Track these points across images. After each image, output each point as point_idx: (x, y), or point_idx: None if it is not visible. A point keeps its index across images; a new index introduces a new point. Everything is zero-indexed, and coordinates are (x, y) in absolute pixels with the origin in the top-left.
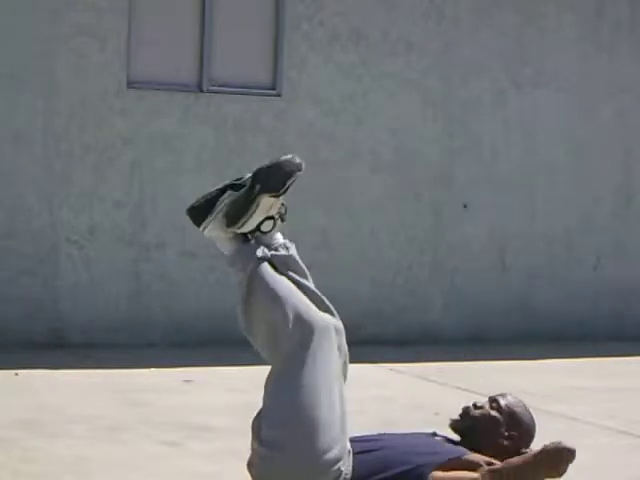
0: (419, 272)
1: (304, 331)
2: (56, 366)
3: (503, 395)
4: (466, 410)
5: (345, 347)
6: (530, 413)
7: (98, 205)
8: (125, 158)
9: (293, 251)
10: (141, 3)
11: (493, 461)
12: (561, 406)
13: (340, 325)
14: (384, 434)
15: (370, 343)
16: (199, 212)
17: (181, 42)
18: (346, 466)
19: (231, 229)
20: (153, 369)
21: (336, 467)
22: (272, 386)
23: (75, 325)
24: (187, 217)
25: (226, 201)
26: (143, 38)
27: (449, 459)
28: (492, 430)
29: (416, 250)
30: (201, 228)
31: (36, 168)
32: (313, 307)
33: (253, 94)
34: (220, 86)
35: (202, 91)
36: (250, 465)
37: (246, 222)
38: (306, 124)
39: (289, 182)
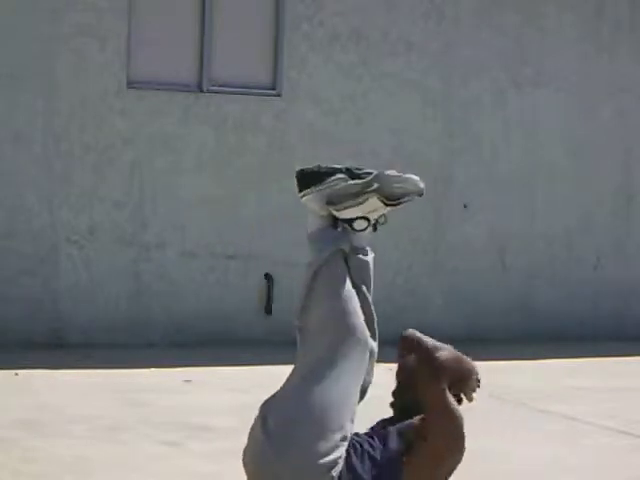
0: (419, 272)
1: (347, 340)
2: (56, 366)
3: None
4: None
5: (373, 372)
6: (429, 340)
7: (98, 205)
8: (125, 158)
9: (370, 259)
10: (141, 3)
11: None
12: (561, 406)
13: (375, 349)
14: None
15: None
16: (307, 179)
17: (181, 42)
18: (337, 472)
19: (329, 207)
20: (153, 369)
21: (330, 473)
22: (297, 380)
23: (75, 325)
24: (295, 178)
25: (340, 180)
26: (143, 38)
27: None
28: (409, 382)
29: (416, 250)
30: (301, 194)
31: (36, 168)
32: (362, 320)
33: (253, 94)
34: (220, 86)
35: (202, 91)
36: (247, 452)
37: (346, 209)
38: (306, 124)
39: (405, 199)
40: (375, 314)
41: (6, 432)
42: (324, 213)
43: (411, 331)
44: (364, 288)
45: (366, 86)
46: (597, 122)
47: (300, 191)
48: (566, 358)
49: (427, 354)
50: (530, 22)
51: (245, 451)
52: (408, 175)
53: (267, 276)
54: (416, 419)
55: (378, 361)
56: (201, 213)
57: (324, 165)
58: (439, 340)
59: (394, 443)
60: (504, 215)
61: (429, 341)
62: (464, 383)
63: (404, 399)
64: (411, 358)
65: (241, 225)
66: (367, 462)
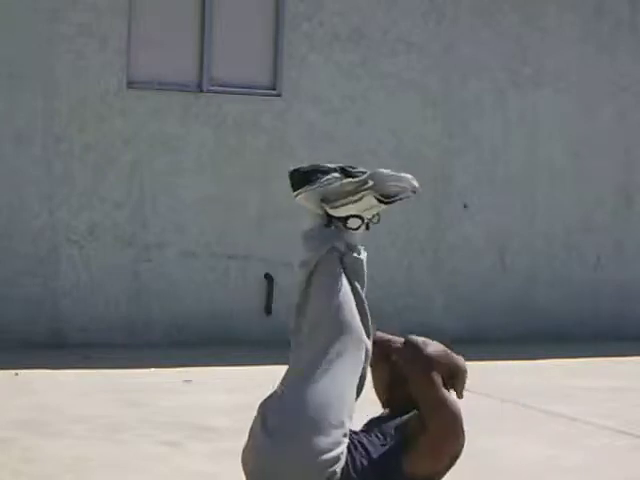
0: (419, 272)
1: (343, 338)
2: (56, 366)
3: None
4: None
5: (368, 370)
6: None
7: (98, 205)
8: (125, 158)
9: (364, 257)
10: (141, 3)
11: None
12: (561, 406)
13: (370, 348)
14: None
15: None
16: (301, 178)
17: (181, 42)
18: (339, 468)
19: (324, 205)
20: (153, 369)
21: (332, 469)
22: (295, 378)
23: (75, 325)
24: (289, 179)
25: (334, 179)
26: (143, 38)
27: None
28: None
29: (416, 250)
30: (295, 193)
31: (36, 168)
32: (357, 319)
33: (253, 94)
34: (220, 86)
35: (202, 91)
36: (246, 450)
37: (341, 207)
38: (306, 124)
39: (399, 197)
40: (369, 313)
41: (6, 432)
42: (319, 211)
43: (380, 334)
44: (358, 287)
45: (366, 86)
46: (597, 122)
47: (294, 190)
48: (566, 358)
49: (417, 349)
50: (530, 22)
51: (245, 450)
52: (402, 174)
53: (267, 276)
54: (412, 414)
55: None
56: (201, 213)
57: (317, 164)
58: (439, 340)
59: (392, 439)
60: (504, 215)
61: (414, 338)
62: (455, 378)
63: (394, 397)
64: (395, 356)
65: (241, 225)
66: (368, 458)
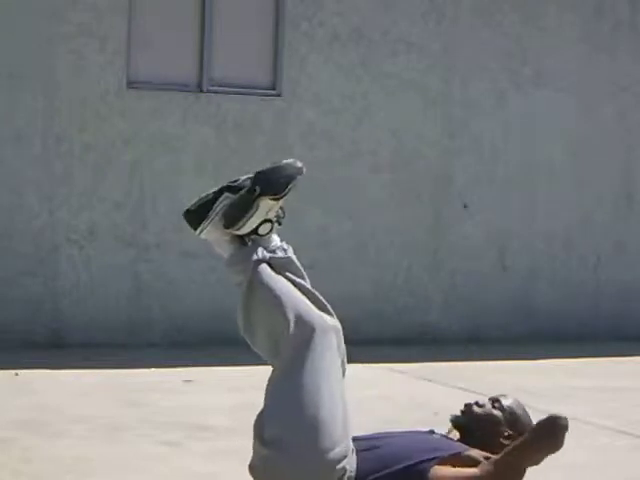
0: (419, 272)
1: (305, 332)
2: (56, 366)
3: (504, 396)
4: (468, 406)
5: (343, 347)
6: (529, 415)
7: (98, 205)
8: (125, 158)
9: (290, 253)
10: (141, 3)
11: (491, 456)
12: (561, 406)
13: (338, 325)
14: (384, 432)
15: (370, 343)
16: (196, 215)
17: (181, 42)
18: (350, 464)
19: (229, 230)
20: (153, 369)
21: (340, 465)
22: (274, 387)
23: (75, 325)
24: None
25: (224, 202)
26: (143, 38)
27: (450, 455)
28: (492, 428)
29: (416, 250)
30: (198, 231)
31: (36, 168)
32: (313, 307)
33: (253, 94)
34: (220, 86)
35: (202, 91)
36: (252, 467)
37: (244, 224)
38: (306, 124)
39: (290, 185)
40: (320, 295)
41: (6, 432)
42: (227, 237)
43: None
44: (299, 280)
45: (366, 86)
46: (597, 122)
47: (195, 229)
48: (566, 358)
49: (552, 447)
50: (530, 22)
51: (250, 467)
52: (282, 162)
53: None
54: (478, 453)
55: (378, 360)
56: None
57: (204, 195)
58: (439, 340)
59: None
60: (504, 215)
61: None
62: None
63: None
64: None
65: None
66: (390, 459)
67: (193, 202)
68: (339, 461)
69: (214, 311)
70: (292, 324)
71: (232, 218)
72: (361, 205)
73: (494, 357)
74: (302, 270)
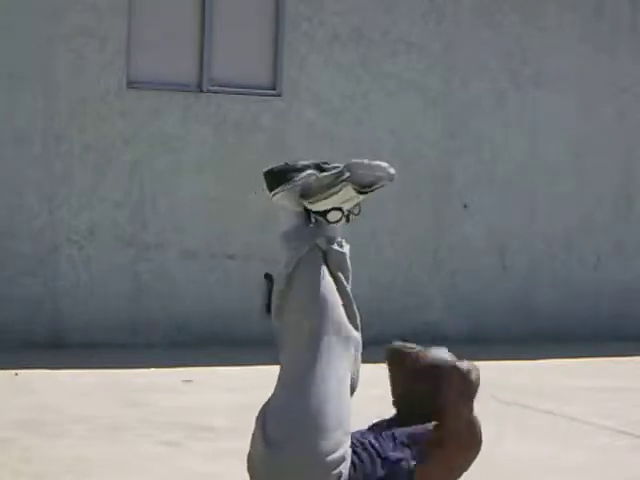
0: (419, 272)
1: (331, 335)
2: (56, 366)
3: None
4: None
5: (359, 363)
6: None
7: (98, 205)
8: (125, 158)
9: (347, 250)
10: (141, 3)
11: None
12: (561, 406)
13: (360, 341)
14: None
15: (370, 343)
16: (276, 178)
17: (181, 42)
18: (346, 469)
19: (302, 201)
20: (153, 369)
21: (337, 470)
22: (285, 381)
23: (75, 325)
24: (264, 178)
25: (309, 177)
26: (143, 38)
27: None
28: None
29: (416, 250)
30: (272, 193)
31: (36, 168)
32: (343, 315)
33: (253, 94)
34: (220, 86)
35: (202, 91)
36: (250, 461)
37: (320, 200)
38: (306, 124)
39: (377, 186)
40: (355, 306)
41: (6, 432)
42: (298, 209)
43: (399, 344)
44: (343, 280)
45: (366, 86)
46: (597, 122)
47: (271, 190)
48: (566, 358)
49: (466, 379)
50: (530, 22)
51: (248, 460)
52: (377, 162)
53: (267, 276)
54: (430, 425)
55: (378, 360)
56: (201, 213)
57: (291, 163)
58: (439, 340)
59: (404, 445)
60: (504, 215)
61: (463, 366)
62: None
63: (405, 401)
64: (405, 369)
65: (241, 225)
66: (377, 460)
67: (278, 165)
68: (337, 465)
69: (214, 311)
70: (323, 323)
71: (312, 190)
72: (361, 205)
73: (494, 357)
74: (350, 271)
